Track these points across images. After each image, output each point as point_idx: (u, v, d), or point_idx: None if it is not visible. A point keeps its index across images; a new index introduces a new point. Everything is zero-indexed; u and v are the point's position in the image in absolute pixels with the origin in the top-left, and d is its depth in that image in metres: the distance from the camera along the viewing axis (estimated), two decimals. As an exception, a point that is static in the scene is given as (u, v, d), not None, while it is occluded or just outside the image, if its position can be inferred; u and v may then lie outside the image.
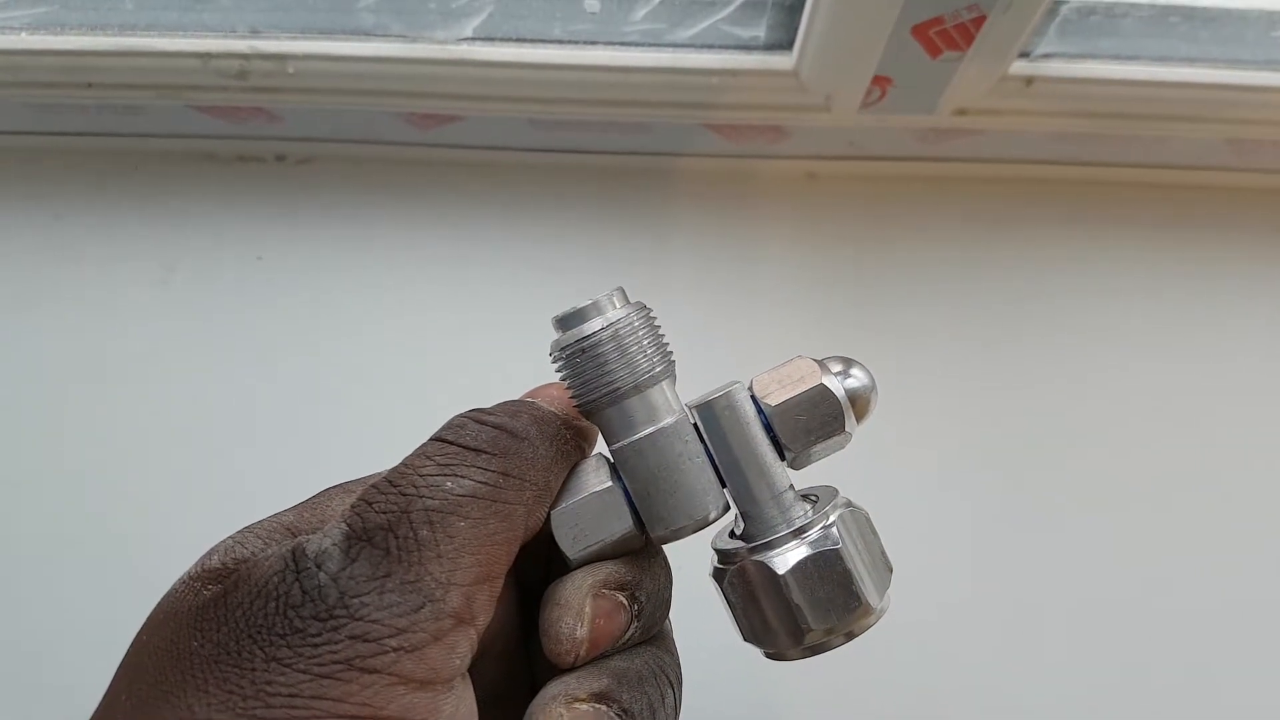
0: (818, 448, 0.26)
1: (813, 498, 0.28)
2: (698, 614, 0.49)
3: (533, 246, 0.62)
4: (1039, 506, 0.57)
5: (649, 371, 0.26)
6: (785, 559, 0.25)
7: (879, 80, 0.54)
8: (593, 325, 0.26)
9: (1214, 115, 0.59)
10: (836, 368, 0.27)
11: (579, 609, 0.25)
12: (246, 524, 0.26)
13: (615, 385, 0.26)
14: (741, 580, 0.26)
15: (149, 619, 0.24)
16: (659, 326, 0.28)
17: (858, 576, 0.26)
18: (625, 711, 0.24)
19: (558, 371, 0.27)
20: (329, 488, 0.28)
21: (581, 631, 0.25)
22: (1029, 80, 0.56)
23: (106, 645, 0.53)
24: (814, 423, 0.26)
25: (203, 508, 0.56)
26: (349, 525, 0.22)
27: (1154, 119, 0.59)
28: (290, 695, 0.20)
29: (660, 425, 0.26)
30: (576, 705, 0.24)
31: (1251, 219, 0.64)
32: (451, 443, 0.24)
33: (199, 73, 0.56)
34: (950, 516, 0.56)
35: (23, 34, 0.56)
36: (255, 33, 0.56)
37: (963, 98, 0.56)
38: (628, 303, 0.27)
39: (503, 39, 0.56)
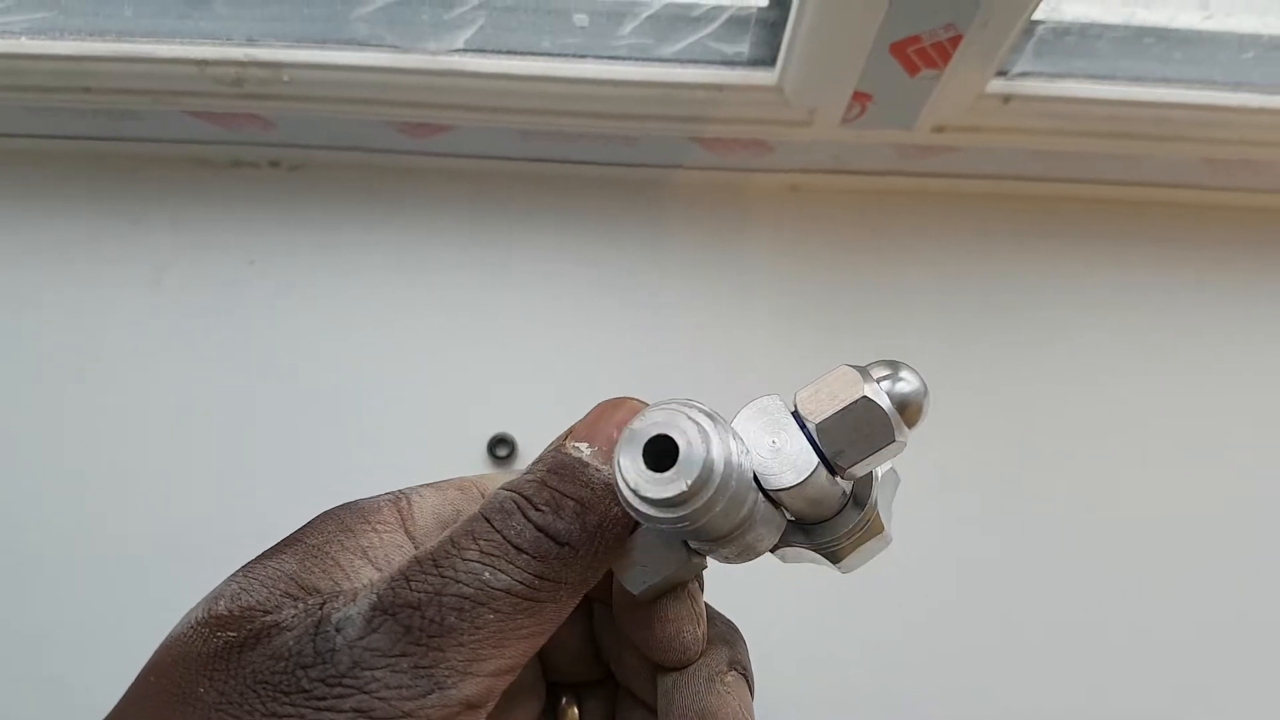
0: (868, 460, 0.24)
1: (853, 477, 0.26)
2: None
3: (521, 254, 0.63)
4: (1017, 513, 0.58)
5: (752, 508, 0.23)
6: (843, 553, 0.26)
7: (859, 96, 0.55)
8: (696, 494, 0.22)
9: (1188, 134, 0.60)
10: (882, 372, 0.25)
11: (692, 614, 0.26)
12: (246, 559, 0.26)
13: (712, 535, 0.23)
14: (795, 554, 0.27)
15: (156, 662, 0.23)
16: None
17: (891, 533, 0.27)
18: (745, 668, 0.27)
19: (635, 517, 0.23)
20: (323, 517, 0.26)
21: (702, 628, 0.26)
22: (1006, 98, 0.57)
23: (100, 638, 0.54)
24: (860, 438, 0.24)
25: (192, 505, 0.57)
26: (379, 596, 0.22)
27: (1129, 137, 0.60)
28: None
29: (747, 538, 0.24)
30: (726, 678, 0.26)
31: (1226, 236, 0.65)
32: (497, 530, 0.23)
33: (195, 79, 0.57)
34: (935, 526, 0.57)
35: (23, 38, 0.57)
36: (251, 41, 0.57)
37: (941, 114, 0.58)
38: (720, 432, 0.22)
39: (493, 51, 0.57)
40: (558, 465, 0.24)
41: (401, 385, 0.60)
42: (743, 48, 0.56)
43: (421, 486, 0.28)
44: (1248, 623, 0.57)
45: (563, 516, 0.24)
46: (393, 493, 0.27)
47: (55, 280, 0.62)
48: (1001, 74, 0.57)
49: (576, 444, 0.25)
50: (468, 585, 0.22)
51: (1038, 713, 0.55)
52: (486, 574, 0.22)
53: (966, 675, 0.55)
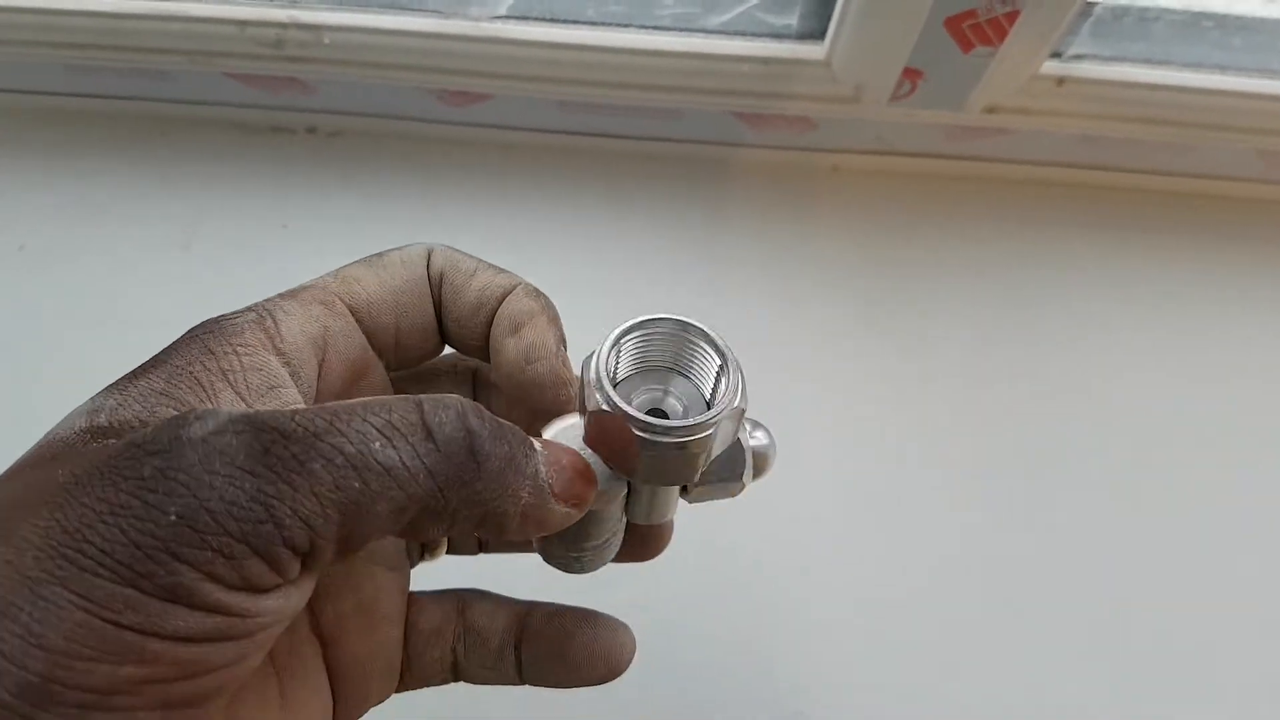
0: (713, 488, 0.29)
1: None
2: (679, 619, 0.49)
3: (556, 228, 0.62)
4: (1052, 506, 0.57)
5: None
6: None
7: (909, 73, 0.54)
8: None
9: (1244, 125, 0.59)
10: (747, 427, 0.29)
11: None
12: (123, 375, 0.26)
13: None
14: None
15: (37, 455, 0.23)
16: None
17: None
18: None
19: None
20: (186, 339, 0.26)
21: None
22: (1060, 80, 0.56)
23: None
24: (720, 468, 0.28)
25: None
26: (254, 410, 0.21)
27: (1182, 125, 0.59)
28: (102, 550, 0.18)
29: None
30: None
31: (1275, 234, 0.64)
32: (424, 417, 0.21)
33: (235, 40, 0.57)
34: (964, 510, 0.56)
35: (64, -6, 0.56)
36: (293, 2, 0.56)
37: (993, 95, 0.56)
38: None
39: (536, 18, 0.56)
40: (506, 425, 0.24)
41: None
42: (791, 20, 0.55)
43: (284, 300, 0.28)
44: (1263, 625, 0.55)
45: (502, 441, 0.22)
46: (256, 310, 0.27)
47: (83, 240, 0.61)
48: (1056, 55, 0.56)
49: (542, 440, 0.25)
50: (351, 444, 0.20)
51: (1035, 700, 0.53)
52: (377, 444, 0.20)
53: (973, 674, 0.54)
